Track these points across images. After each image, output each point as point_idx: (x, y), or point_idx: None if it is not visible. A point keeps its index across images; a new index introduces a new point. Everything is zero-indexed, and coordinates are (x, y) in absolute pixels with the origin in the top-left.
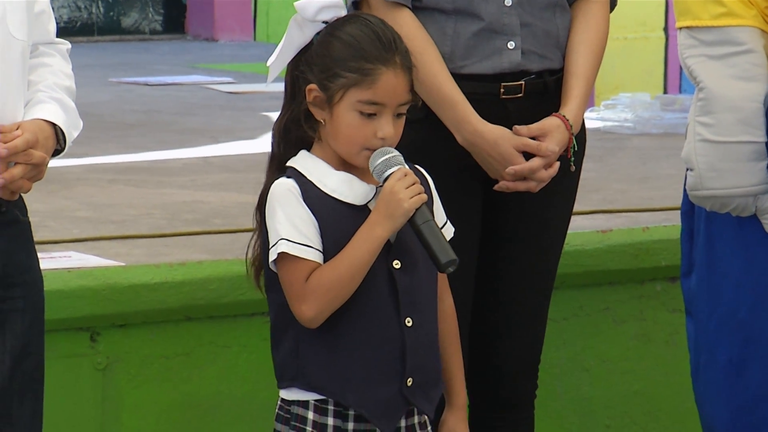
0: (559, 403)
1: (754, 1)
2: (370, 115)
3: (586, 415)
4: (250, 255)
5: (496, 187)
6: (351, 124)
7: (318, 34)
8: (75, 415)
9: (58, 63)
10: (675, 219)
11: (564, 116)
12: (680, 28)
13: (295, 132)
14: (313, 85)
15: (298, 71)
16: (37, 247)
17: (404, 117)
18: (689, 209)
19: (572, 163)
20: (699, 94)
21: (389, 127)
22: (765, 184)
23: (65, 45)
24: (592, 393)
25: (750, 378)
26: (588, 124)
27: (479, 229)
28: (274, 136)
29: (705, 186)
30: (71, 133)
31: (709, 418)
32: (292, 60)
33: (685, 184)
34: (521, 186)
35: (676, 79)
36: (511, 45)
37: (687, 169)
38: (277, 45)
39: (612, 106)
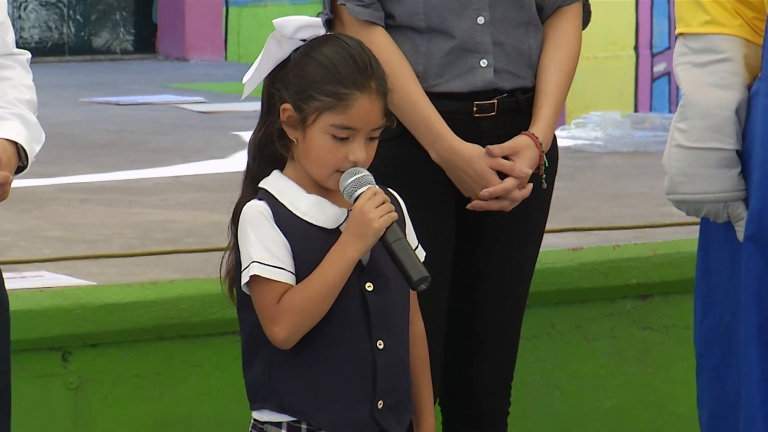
0: (531, 420)
1: (740, 10)
2: (343, 139)
3: None
4: (224, 268)
5: (469, 206)
6: (323, 147)
7: (296, 50)
8: None
9: (19, 75)
10: (645, 237)
11: (534, 134)
12: (677, 36)
13: (270, 148)
14: (287, 105)
15: (273, 88)
16: (8, 266)
17: (377, 140)
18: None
19: (543, 181)
20: (682, 100)
21: (361, 151)
22: (735, 192)
23: (25, 55)
24: (563, 411)
25: (728, 385)
26: (558, 143)
27: (453, 245)
28: (249, 151)
29: (676, 190)
30: (33, 149)
31: (700, 421)
32: (268, 75)
33: None
34: (495, 205)
35: (646, 97)
36: (483, 63)
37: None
38: (248, 65)
39: (582, 124)
